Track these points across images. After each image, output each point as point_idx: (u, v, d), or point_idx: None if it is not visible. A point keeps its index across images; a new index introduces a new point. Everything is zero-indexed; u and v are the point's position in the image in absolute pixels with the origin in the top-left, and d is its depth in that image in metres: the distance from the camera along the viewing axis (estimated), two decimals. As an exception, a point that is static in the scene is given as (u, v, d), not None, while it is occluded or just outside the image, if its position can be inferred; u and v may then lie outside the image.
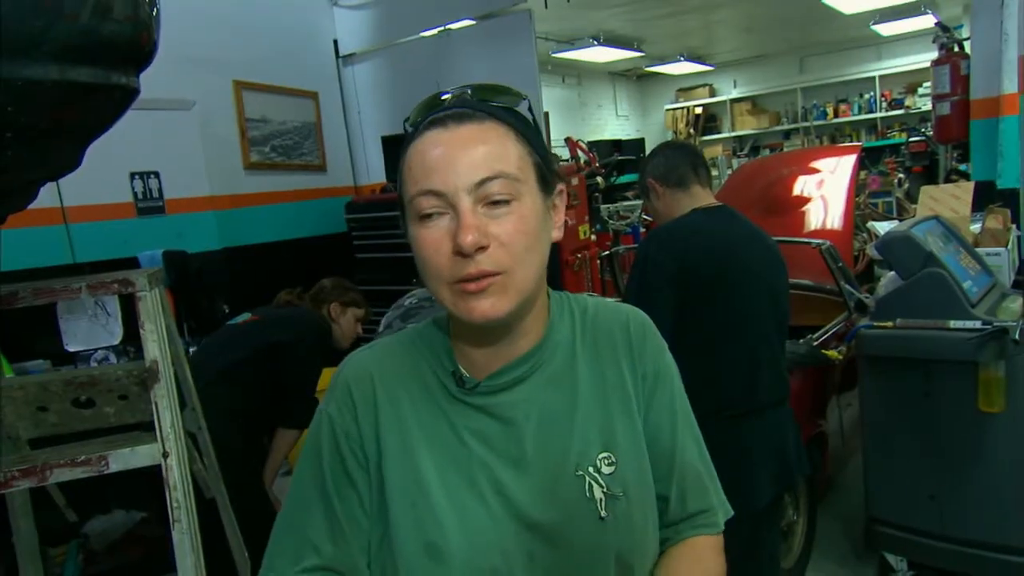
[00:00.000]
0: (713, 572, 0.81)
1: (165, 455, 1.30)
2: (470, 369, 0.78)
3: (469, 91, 0.75)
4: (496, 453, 0.75)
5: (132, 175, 3.51)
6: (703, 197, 1.84)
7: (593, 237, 4.15)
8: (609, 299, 0.89)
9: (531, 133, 0.74)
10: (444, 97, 0.75)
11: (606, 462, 0.76)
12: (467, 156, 0.68)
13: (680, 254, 1.71)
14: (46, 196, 3.08)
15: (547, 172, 0.74)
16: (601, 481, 0.75)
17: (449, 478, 0.74)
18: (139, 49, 1.04)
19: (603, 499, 0.75)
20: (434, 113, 0.72)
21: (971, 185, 2.85)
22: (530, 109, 0.78)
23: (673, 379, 0.84)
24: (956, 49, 3.77)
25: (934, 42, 3.85)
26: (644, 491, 0.79)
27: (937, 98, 3.80)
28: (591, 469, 0.76)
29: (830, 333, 2.74)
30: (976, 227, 2.73)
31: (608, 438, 0.77)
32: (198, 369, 2.06)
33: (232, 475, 1.97)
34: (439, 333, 0.81)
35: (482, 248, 0.67)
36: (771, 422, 1.79)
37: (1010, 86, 3.16)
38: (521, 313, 0.74)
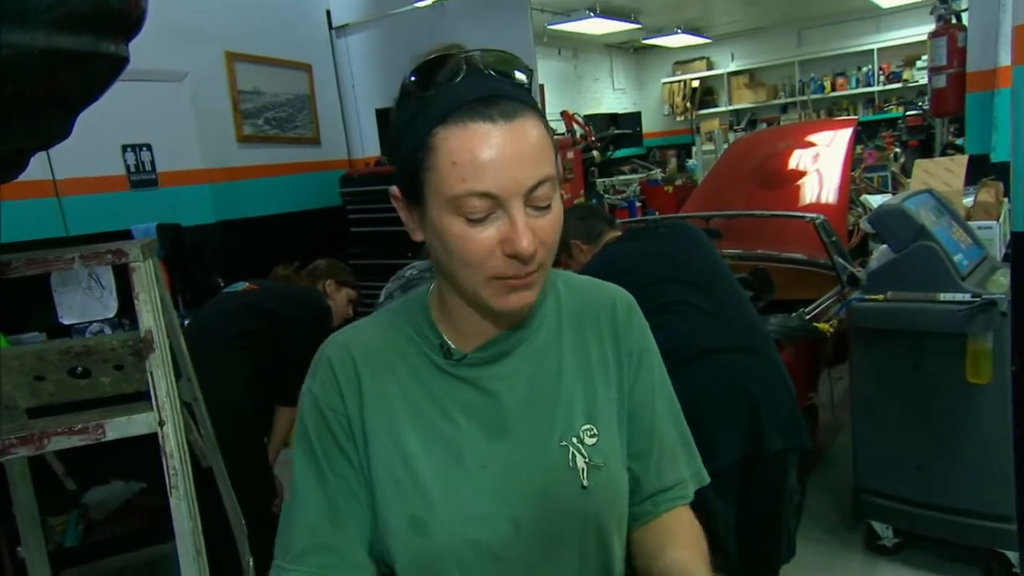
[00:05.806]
0: (703, 546, 0.83)
1: (161, 423, 1.32)
2: (455, 343, 0.79)
3: (479, 57, 0.69)
4: (481, 425, 0.77)
5: (124, 147, 3.48)
6: (614, 233, 2.15)
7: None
8: (595, 278, 0.90)
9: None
10: (454, 54, 0.69)
11: (588, 433, 0.79)
12: (519, 160, 0.67)
13: (607, 270, 1.85)
14: (37, 168, 3.08)
15: (556, 153, 0.74)
16: (584, 452, 0.78)
17: (434, 452, 0.76)
18: (127, 17, 1.03)
19: (585, 468, 0.77)
20: (467, 94, 0.67)
21: (965, 159, 2.85)
22: (530, 82, 0.75)
23: (655, 355, 0.87)
24: (954, 21, 3.74)
25: (932, 13, 3.81)
26: (620, 463, 0.82)
27: (933, 71, 3.77)
28: (575, 440, 0.78)
29: (822, 307, 2.75)
30: (969, 200, 2.74)
31: (591, 411, 0.80)
32: (202, 336, 2.07)
33: (241, 441, 1.99)
34: (419, 309, 0.82)
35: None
36: (728, 366, 1.76)
37: (1006, 58, 3.11)
38: None
